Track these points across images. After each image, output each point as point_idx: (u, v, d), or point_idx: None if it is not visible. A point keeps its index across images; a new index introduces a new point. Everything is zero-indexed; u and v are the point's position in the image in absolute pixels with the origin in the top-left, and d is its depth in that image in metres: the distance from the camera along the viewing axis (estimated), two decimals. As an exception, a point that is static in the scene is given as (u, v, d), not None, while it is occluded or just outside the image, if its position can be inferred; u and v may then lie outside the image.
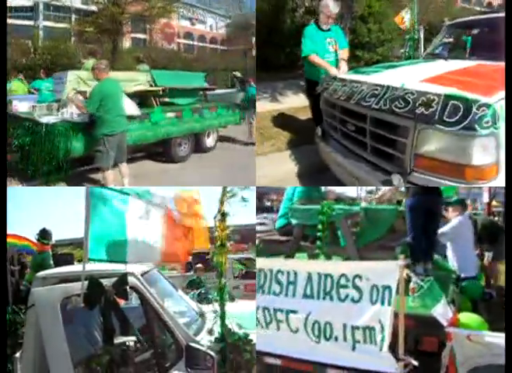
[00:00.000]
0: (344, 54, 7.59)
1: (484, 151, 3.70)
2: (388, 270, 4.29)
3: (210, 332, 4.67)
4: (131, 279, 4.07)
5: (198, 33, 47.81)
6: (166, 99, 10.64)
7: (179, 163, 10.36)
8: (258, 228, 7.64)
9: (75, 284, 3.87)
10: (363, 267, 4.52)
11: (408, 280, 4.64)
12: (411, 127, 4.06)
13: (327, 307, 4.62)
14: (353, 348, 4.46)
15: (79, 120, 7.86)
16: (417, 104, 4.02)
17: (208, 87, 12.69)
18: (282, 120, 10.15)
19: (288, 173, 7.56)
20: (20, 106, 9.73)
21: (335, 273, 4.61)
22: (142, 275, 4.34)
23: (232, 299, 5.63)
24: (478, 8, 26.15)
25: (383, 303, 4.28)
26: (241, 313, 5.09)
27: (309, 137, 7.31)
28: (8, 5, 33.83)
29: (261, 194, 29.54)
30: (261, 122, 10.05)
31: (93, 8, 25.86)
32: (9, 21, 32.07)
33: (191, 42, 46.65)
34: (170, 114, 10.05)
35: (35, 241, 7.65)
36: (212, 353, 3.98)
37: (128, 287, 4.02)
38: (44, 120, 7.94)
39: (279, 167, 7.88)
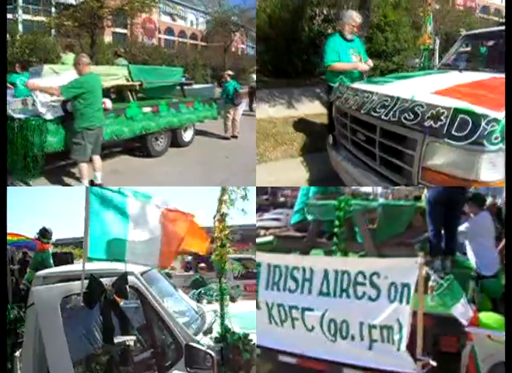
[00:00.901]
0: (369, 63, 7.87)
1: (492, 168, 3.66)
2: (407, 268, 4.21)
3: (210, 331, 4.67)
4: (131, 278, 4.09)
5: (179, 29, 48.35)
6: (143, 94, 10.66)
7: (155, 158, 10.42)
8: (273, 223, 7.59)
9: (75, 283, 3.90)
10: (381, 264, 4.44)
11: (427, 278, 4.51)
12: (419, 140, 4.04)
13: (343, 305, 4.55)
14: (370, 347, 4.40)
15: (51, 116, 7.76)
16: (426, 117, 3.99)
17: (186, 82, 12.73)
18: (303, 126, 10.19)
19: (299, 179, 7.57)
20: None
21: (352, 270, 4.54)
22: (141, 274, 4.37)
23: (232, 299, 5.61)
24: (496, 19, 25.93)
25: (401, 301, 4.21)
26: (241, 313, 5.08)
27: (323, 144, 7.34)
28: None
29: (276, 190, 29.47)
30: (274, 128, 10.04)
31: (72, 1, 25.88)
32: None
33: (172, 37, 47.12)
34: (147, 109, 10.02)
35: (29, 236, 7.73)
36: (211, 352, 3.96)
37: (127, 287, 4.02)
38: (19, 115, 7.89)
39: (290, 173, 7.89)
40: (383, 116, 4.52)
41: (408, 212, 5.68)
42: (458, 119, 3.73)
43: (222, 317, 4.83)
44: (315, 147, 8.64)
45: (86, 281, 3.83)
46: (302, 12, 16.09)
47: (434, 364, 4.12)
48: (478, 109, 3.74)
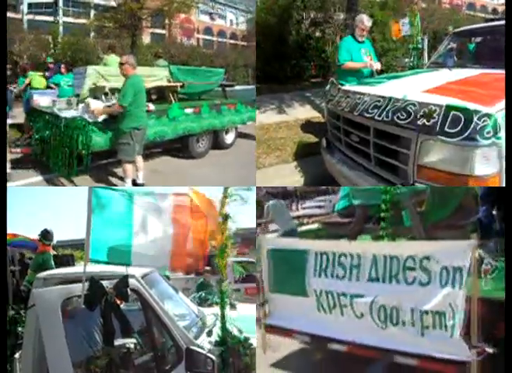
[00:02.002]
0: (378, 64, 8.10)
1: (486, 162, 3.69)
2: (459, 251, 4.04)
3: (210, 335, 4.64)
4: (131, 281, 4.05)
5: (218, 29, 47.24)
6: (183, 95, 10.65)
7: (196, 159, 10.35)
8: (316, 211, 7.49)
9: (76, 285, 3.87)
10: (432, 248, 4.28)
11: (480, 261, 4.29)
12: (413, 139, 4.06)
13: (393, 291, 4.44)
14: (422, 334, 4.29)
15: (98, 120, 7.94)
16: (419, 115, 4.03)
17: (227, 83, 12.65)
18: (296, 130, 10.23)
19: (295, 184, 7.57)
20: (41, 100, 9.87)
21: (402, 254, 4.41)
22: (142, 277, 4.32)
23: (232, 306, 5.59)
24: (483, 15, 26.11)
25: (454, 286, 4.07)
26: (242, 317, 5.05)
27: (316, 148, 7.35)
28: (28, 1, 34.59)
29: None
30: (267, 133, 10.06)
31: (112, 3, 25.83)
32: (30, 17, 32.96)
33: (211, 37, 46.09)
34: (189, 110, 10.02)
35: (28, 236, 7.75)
36: (212, 356, 3.93)
37: (128, 289, 4.00)
38: (64, 114, 8.11)
39: (285, 179, 7.90)
40: (376, 117, 4.54)
41: (458, 193, 5.55)
42: (450, 116, 3.77)
43: (223, 320, 4.80)
44: (308, 151, 8.65)
45: (87, 283, 3.82)
46: (289, 16, 16.17)
47: (490, 351, 3.97)
48: (470, 106, 3.77)
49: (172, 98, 10.00)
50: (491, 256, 4.43)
